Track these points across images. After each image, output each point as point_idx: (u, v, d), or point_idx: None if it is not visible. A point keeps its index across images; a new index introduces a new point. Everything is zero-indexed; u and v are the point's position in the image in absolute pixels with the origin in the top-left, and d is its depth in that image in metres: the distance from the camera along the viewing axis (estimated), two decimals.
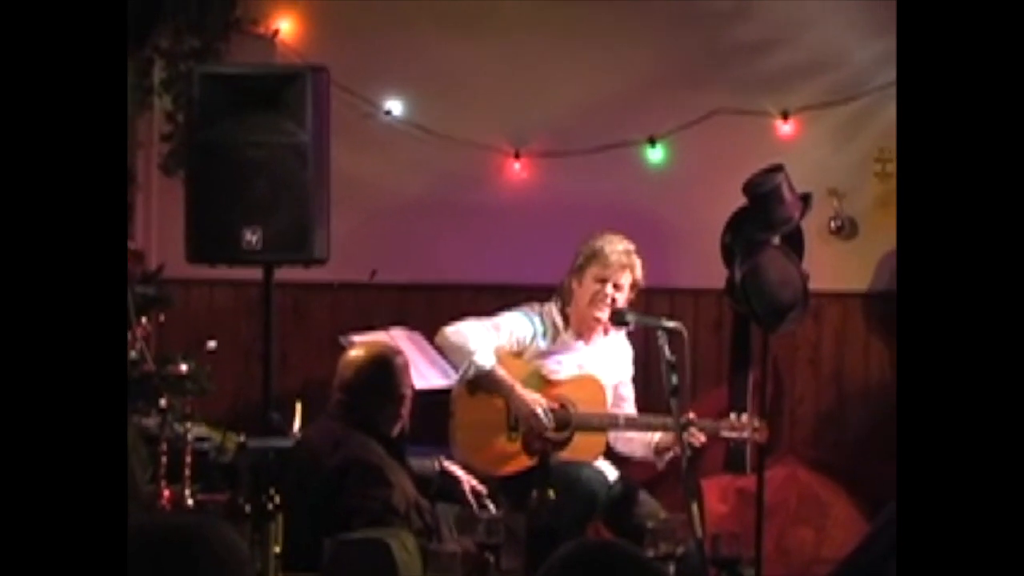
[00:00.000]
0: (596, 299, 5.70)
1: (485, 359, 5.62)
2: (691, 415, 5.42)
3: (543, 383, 5.70)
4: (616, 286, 5.70)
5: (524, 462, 5.62)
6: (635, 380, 6.00)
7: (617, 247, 5.72)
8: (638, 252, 5.77)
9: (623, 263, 5.70)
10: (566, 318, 5.80)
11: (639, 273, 5.74)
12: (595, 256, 5.72)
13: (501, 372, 5.64)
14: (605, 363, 5.85)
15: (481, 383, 5.64)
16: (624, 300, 5.72)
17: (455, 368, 5.71)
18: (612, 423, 5.73)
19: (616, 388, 5.89)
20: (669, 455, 5.61)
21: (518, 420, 5.64)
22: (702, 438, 5.49)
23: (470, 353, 5.61)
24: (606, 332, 5.84)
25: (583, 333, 5.80)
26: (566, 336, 5.79)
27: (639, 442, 5.77)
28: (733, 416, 5.60)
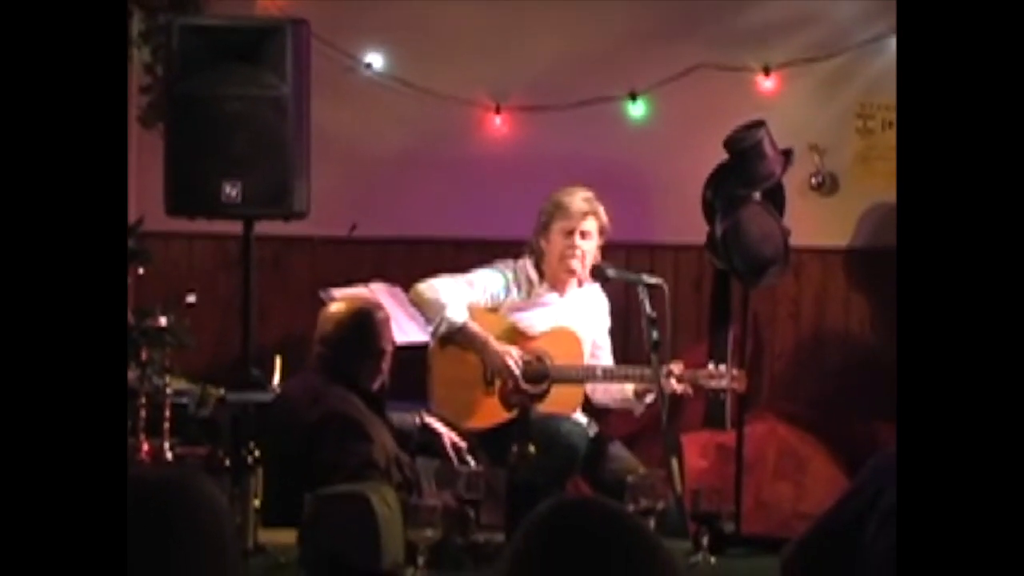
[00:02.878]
0: (566, 253, 5.71)
1: (457, 314, 5.62)
2: (672, 366, 5.44)
3: (519, 337, 5.71)
4: (583, 234, 5.71)
5: (502, 415, 5.63)
6: (615, 335, 6.01)
7: (577, 197, 5.72)
8: (616, 205, 5.78)
9: (585, 210, 5.71)
10: (540, 272, 5.80)
11: (604, 219, 5.74)
12: (557, 210, 5.73)
13: (473, 326, 5.64)
14: (581, 315, 5.85)
15: (454, 338, 5.65)
16: (594, 248, 5.73)
17: (428, 323, 5.71)
18: (590, 375, 5.74)
19: (593, 340, 5.90)
20: (648, 399, 5.62)
21: (493, 374, 5.65)
22: (687, 390, 5.50)
23: (442, 308, 5.61)
24: (580, 284, 5.84)
25: (557, 286, 5.81)
26: (541, 290, 5.80)
27: (616, 391, 5.78)
28: (712, 366, 5.61)
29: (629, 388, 5.72)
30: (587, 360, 5.82)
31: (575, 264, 5.71)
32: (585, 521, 2.04)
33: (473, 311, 5.68)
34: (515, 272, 5.81)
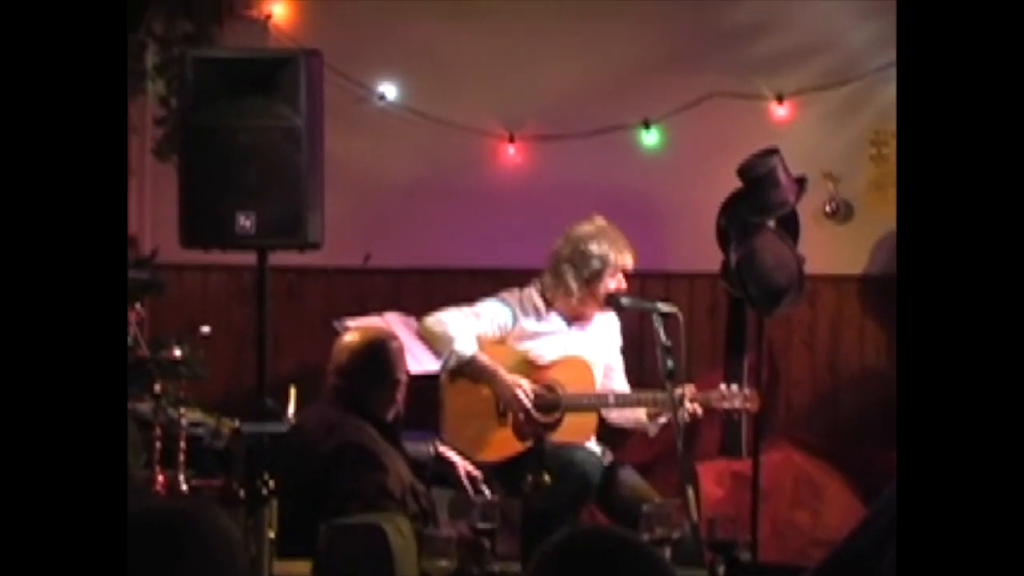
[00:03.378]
0: (599, 301, 5.72)
1: (466, 347, 5.61)
2: (683, 389, 5.42)
3: (530, 367, 5.69)
4: (619, 283, 5.73)
5: (516, 447, 5.62)
6: (629, 363, 5.99)
7: (626, 254, 5.71)
8: (631, 233, 5.79)
9: (627, 265, 5.72)
10: (547, 301, 5.78)
11: (631, 261, 5.76)
12: (605, 268, 5.69)
13: (483, 358, 5.63)
14: (592, 341, 5.84)
15: (464, 371, 5.64)
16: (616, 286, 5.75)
17: (437, 357, 5.70)
18: (602, 402, 5.73)
19: (606, 363, 5.89)
20: (662, 420, 5.60)
21: (505, 405, 5.64)
22: (699, 411, 5.48)
23: (451, 341, 5.61)
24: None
25: (568, 316, 5.80)
26: (549, 319, 5.78)
27: (631, 412, 5.77)
28: (724, 387, 5.60)
29: (642, 411, 5.71)
30: (600, 382, 5.81)
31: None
32: (598, 549, 2.03)
33: (482, 342, 5.67)
34: (521, 302, 5.80)
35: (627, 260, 5.73)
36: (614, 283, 5.71)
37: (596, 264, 5.71)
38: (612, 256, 5.70)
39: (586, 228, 5.77)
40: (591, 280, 5.71)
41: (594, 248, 5.72)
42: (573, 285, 5.72)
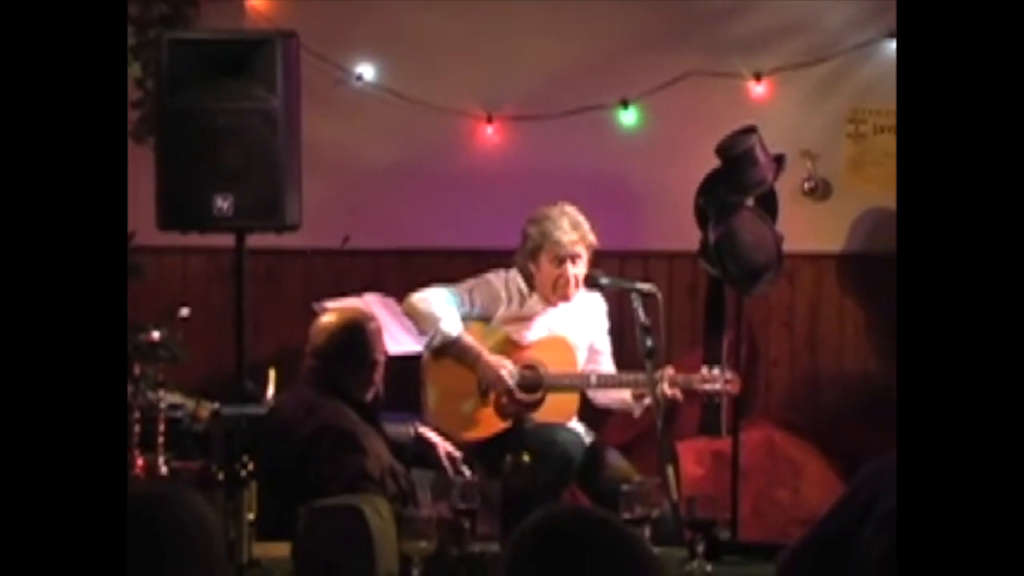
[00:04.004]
0: (558, 282, 5.70)
1: (451, 327, 5.62)
2: (666, 371, 5.43)
3: (512, 347, 5.70)
4: (572, 259, 5.69)
5: (497, 426, 5.63)
6: (610, 340, 5.99)
7: (565, 228, 5.68)
8: (609, 213, 5.78)
9: (574, 240, 5.68)
10: (531, 285, 5.78)
11: (591, 238, 5.72)
12: (545, 241, 5.69)
13: (467, 339, 5.63)
14: (576, 322, 5.84)
15: (448, 350, 5.64)
16: (584, 266, 5.71)
17: (423, 336, 5.70)
18: (584, 383, 5.74)
19: (591, 344, 5.88)
20: (646, 401, 5.61)
21: (488, 385, 5.64)
22: (678, 395, 5.50)
23: (436, 320, 5.61)
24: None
25: (550, 298, 5.80)
26: (531, 300, 5.78)
27: (615, 393, 5.78)
28: (705, 369, 5.61)
29: (627, 392, 5.72)
30: (586, 365, 5.81)
31: (569, 291, 5.72)
32: (573, 530, 2.03)
33: (465, 322, 5.68)
34: (506, 283, 5.80)
35: (569, 246, 5.66)
36: (556, 270, 5.66)
37: (535, 235, 5.70)
38: (551, 232, 5.66)
39: (541, 210, 5.77)
40: (533, 253, 5.70)
41: (532, 229, 5.72)
42: (521, 260, 5.72)
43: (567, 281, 5.68)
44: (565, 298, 5.74)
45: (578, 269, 5.69)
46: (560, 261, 5.68)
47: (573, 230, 5.68)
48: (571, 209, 5.75)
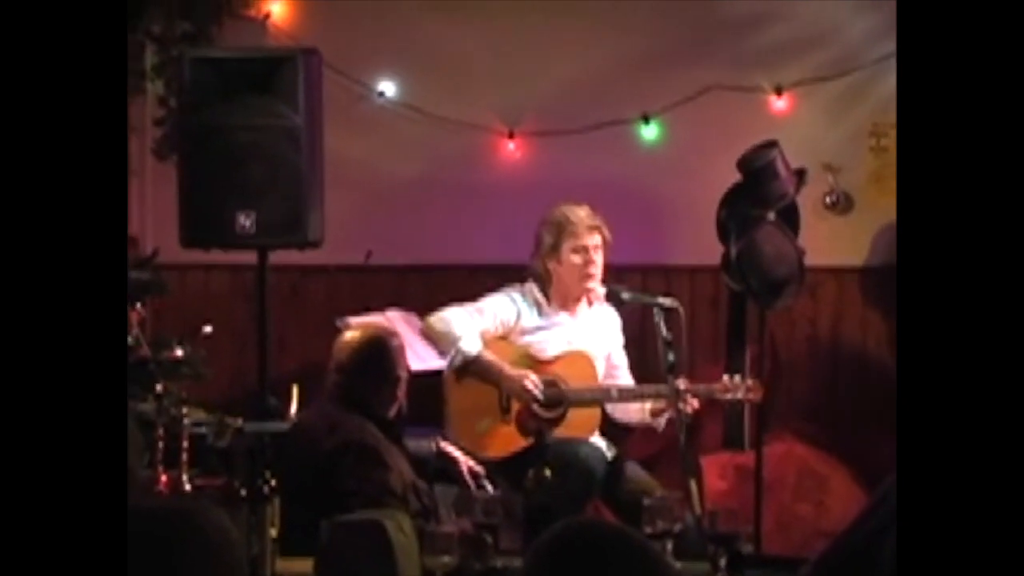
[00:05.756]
0: (585, 272, 5.67)
1: (471, 345, 5.59)
2: (685, 382, 5.40)
3: (532, 362, 5.68)
4: (594, 249, 5.68)
5: (520, 443, 5.62)
6: (631, 357, 5.99)
7: (582, 212, 5.69)
8: (631, 227, 5.78)
9: (592, 225, 5.68)
10: (547, 296, 5.78)
11: (607, 232, 5.72)
12: (566, 227, 5.68)
13: (488, 356, 5.62)
14: (593, 335, 5.83)
15: (470, 368, 5.63)
16: (601, 262, 5.70)
17: (443, 356, 5.68)
18: (605, 396, 5.72)
19: (608, 358, 5.88)
20: (666, 415, 5.59)
21: (510, 401, 5.63)
22: (696, 404, 5.47)
23: (456, 340, 5.58)
24: (590, 304, 5.82)
25: (568, 307, 5.78)
26: (551, 313, 5.77)
27: (635, 410, 5.76)
28: (726, 378, 5.59)
29: (646, 406, 5.71)
30: (604, 379, 5.80)
31: (594, 283, 5.69)
32: (591, 542, 2.04)
33: (485, 339, 5.66)
34: (524, 296, 5.78)
35: (590, 229, 5.65)
36: (579, 258, 5.65)
37: (551, 229, 5.69)
38: (567, 218, 5.66)
39: (552, 210, 5.77)
40: (554, 247, 5.68)
41: (547, 226, 5.71)
42: (539, 263, 5.72)
43: (592, 270, 5.65)
44: (591, 290, 5.69)
45: (600, 260, 5.67)
46: (583, 249, 5.66)
47: (590, 218, 5.68)
48: (585, 206, 5.74)
